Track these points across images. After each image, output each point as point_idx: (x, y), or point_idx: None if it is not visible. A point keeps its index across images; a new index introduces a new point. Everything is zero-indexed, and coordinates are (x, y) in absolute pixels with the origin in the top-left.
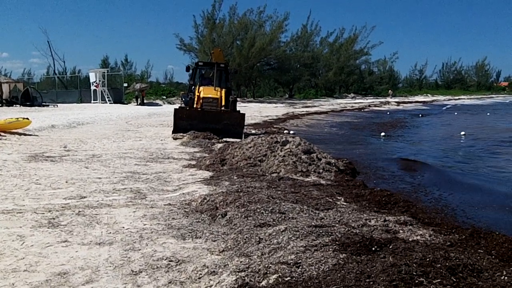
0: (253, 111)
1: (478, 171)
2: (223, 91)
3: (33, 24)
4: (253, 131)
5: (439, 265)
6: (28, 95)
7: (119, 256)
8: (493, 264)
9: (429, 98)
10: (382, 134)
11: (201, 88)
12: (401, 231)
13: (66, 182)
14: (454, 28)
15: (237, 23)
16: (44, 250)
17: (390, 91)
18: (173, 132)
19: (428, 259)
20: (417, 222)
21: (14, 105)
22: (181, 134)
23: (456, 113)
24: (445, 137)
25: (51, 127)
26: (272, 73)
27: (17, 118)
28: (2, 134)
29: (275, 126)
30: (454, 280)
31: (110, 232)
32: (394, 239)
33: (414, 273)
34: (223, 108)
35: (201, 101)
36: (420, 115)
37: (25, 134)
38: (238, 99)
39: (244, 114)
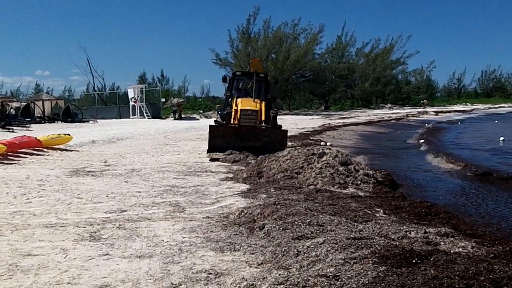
0: (289, 124)
1: None
2: (262, 104)
3: (73, 42)
4: (289, 144)
5: (482, 277)
6: (69, 111)
7: (159, 269)
8: None
9: (468, 107)
10: (421, 141)
11: (238, 100)
12: (442, 243)
13: (107, 196)
14: (493, 35)
15: (271, 36)
16: (86, 263)
17: (425, 100)
18: (208, 151)
19: (470, 272)
20: (459, 234)
21: (56, 122)
22: (217, 153)
23: (496, 121)
24: (484, 143)
25: (92, 142)
26: (308, 85)
27: (59, 134)
28: (45, 150)
29: (311, 138)
30: None
31: (150, 245)
32: (435, 251)
33: (456, 286)
34: (263, 124)
35: (238, 114)
36: (459, 123)
37: (66, 150)
38: None
39: (286, 131)
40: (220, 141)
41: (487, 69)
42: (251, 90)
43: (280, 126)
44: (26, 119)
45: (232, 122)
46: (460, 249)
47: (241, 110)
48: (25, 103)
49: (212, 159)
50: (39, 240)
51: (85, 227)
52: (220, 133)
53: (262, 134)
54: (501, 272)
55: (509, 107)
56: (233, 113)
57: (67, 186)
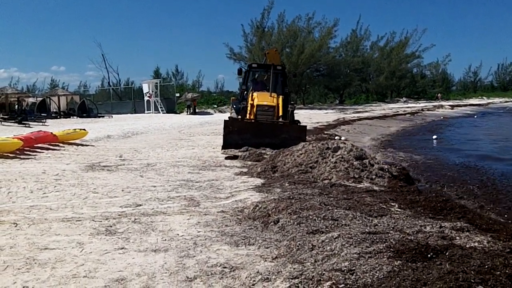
0: (303, 118)
1: None
2: (280, 98)
3: (88, 38)
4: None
5: (498, 272)
6: (84, 106)
7: (174, 263)
8: None
9: (484, 100)
10: (434, 137)
11: (254, 94)
12: (457, 238)
13: (122, 190)
14: (510, 28)
15: (286, 30)
16: (102, 257)
17: (439, 94)
18: (223, 148)
19: (486, 266)
20: (474, 228)
21: (71, 117)
22: (232, 149)
23: None
24: (500, 139)
25: (107, 137)
26: (322, 79)
27: (75, 129)
28: (61, 145)
29: (325, 132)
30: None
31: (165, 239)
32: (451, 246)
33: (472, 280)
34: (280, 119)
35: (254, 109)
36: (475, 116)
37: (82, 145)
38: None
39: (305, 127)
40: (235, 137)
41: (504, 62)
42: (268, 83)
43: (298, 121)
44: (42, 114)
45: (248, 117)
46: (476, 244)
47: (257, 105)
48: (41, 99)
49: (228, 157)
50: (56, 234)
51: (101, 221)
52: (235, 128)
53: (280, 130)
54: None
55: None
56: (249, 108)
57: (83, 180)
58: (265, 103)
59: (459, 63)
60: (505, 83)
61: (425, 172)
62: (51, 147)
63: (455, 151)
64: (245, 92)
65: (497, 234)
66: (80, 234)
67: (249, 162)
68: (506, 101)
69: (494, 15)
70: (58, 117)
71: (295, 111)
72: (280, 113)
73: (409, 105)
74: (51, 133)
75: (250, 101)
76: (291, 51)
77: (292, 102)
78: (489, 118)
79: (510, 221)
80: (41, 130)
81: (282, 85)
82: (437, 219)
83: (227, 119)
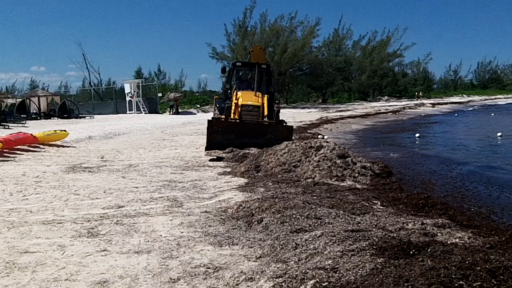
0: (287, 117)
1: None
2: (265, 98)
3: (69, 38)
4: None
5: (478, 268)
6: (65, 107)
7: (158, 264)
8: None
9: (464, 98)
10: (417, 135)
11: (239, 93)
12: (439, 234)
13: (104, 192)
14: (489, 27)
15: (268, 29)
16: (84, 259)
17: (420, 93)
18: (206, 149)
19: (467, 262)
20: (456, 225)
21: (52, 118)
22: (216, 151)
23: (493, 114)
24: (481, 138)
25: (88, 138)
26: (305, 79)
27: (55, 131)
28: (41, 146)
29: (308, 131)
30: (495, 283)
31: (148, 241)
32: (432, 242)
33: (453, 276)
34: (265, 119)
35: (239, 109)
36: (456, 115)
37: (63, 146)
38: None
39: (291, 127)
40: (219, 138)
41: (483, 61)
42: (253, 81)
43: (284, 121)
44: (22, 116)
45: (232, 117)
46: (457, 240)
47: (242, 105)
48: (20, 100)
49: (213, 160)
50: (36, 237)
51: (82, 223)
52: (219, 128)
53: (265, 130)
54: (497, 262)
55: (505, 98)
56: (233, 107)
57: (64, 182)
58: (249, 102)
59: (440, 62)
60: (484, 81)
61: (408, 169)
62: (31, 148)
63: (437, 149)
64: (229, 91)
65: (478, 230)
66: (61, 237)
67: (233, 163)
68: (486, 99)
69: (473, 15)
70: (38, 118)
71: None
72: (266, 113)
73: (391, 103)
74: (31, 134)
75: (234, 101)
76: (274, 50)
77: (277, 102)
78: (467, 116)
79: (491, 217)
80: (20, 132)
81: (267, 84)
82: (419, 216)
83: (211, 118)
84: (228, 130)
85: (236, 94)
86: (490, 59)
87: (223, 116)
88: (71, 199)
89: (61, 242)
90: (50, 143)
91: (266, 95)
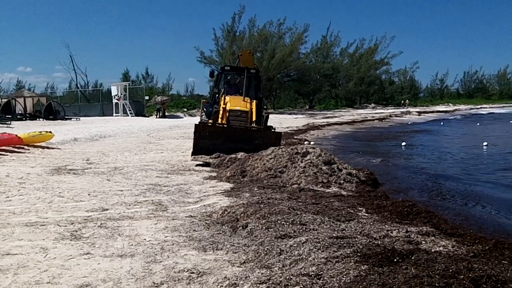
0: (274, 123)
1: (501, 181)
2: (253, 103)
3: (57, 39)
4: None
5: (462, 276)
6: (51, 109)
7: (141, 268)
8: None
9: (450, 107)
10: (403, 144)
11: (227, 98)
12: (423, 242)
13: (89, 194)
14: (475, 36)
15: (257, 35)
16: (67, 263)
17: (406, 101)
18: (193, 154)
19: (451, 270)
20: (440, 233)
21: (38, 119)
22: (203, 156)
23: (478, 124)
24: (467, 147)
25: (74, 140)
26: (292, 85)
27: (40, 132)
28: (26, 147)
29: (295, 137)
30: None
31: (132, 244)
32: (416, 250)
33: (436, 284)
34: (254, 125)
35: (227, 114)
36: (442, 123)
37: (48, 148)
38: None
39: (280, 134)
40: (206, 143)
41: (469, 70)
42: (241, 86)
43: (272, 127)
44: (7, 116)
45: (220, 121)
46: (441, 248)
47: (229, 110)
48: (6, 100)
49: (200, 165)
50: (19, 239)
51: (66, 226)
52: (207, 133)
53: (254, 136)
54: (480, 271)
55: (490, 108)
56: (221, 112)
57: (48, 184)
58: (238, 108)
59: (426, 70)
60: (470, 90)
61: (393, 177)
62: (16, 149)
63: (423, 158)
64: (217, 95)
65: (462, 239)
66: (44, 239)
67: (219, 168)
68: (471, 108)
69: (461, 24)
70: (24, 119)
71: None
72: (254, 119)
73: (378, 111)
74: (16, 135)
75: (222, 105)
76: (262, 56)
77: (265, 107)
78: (454, 125)
79: (475, 226)
80: (5, 132)
81: (255, 89)
82: (404, 223)
83: (198, 123)
84: (216, 135)
85: (224, 99)
86: (476, 69)
87: (210, 121)
88: (55, 201)
89: (44, 244)
90: (35, 144)
91: (254, 101)
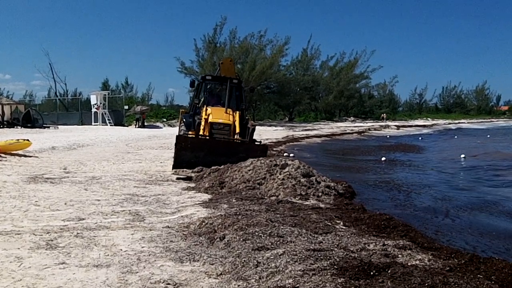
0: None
1: (480, 196)
2: (236, 114)
3: (36, 46)
4: None
5: None
6: (29, 116)
7: (117, 279)
8: None
9: (429, 122)
10: (383, 158)
11: (209, 109)
12: (400, 256)
13: (65, 203)
14: (454, 52)
15: (238, 46)
16: (42, 272)
17: (384, 115)
18: (173, 167)
19: (427, 284)
20: (416, 247)
21: (15, 127)
22: (185, 169)
23: (456, 137)
24: (445, 160)
25: (52, 148)
26: (272, 97)
27: (18, 140)
28: (3, 155)
29: (274, 149)
30: None
31: (108, 255)
32: (393, 264)
33: None
34: (237, 137)
35: (209, 127)
36: (420, 138)
37: (25, 156)
38: None
39: (266, 146)
40: (188, 155)
41: (448, 85)
42: (223, 96)
43: (258, 141)
44: None
45: (202, 133)
46: (417, 262)
47: (212, 123)
48: None
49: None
50: None
51: (41, 235)
52: (188, 145)
53: (238, 149)
54: (456, 285)
55: (468, 123)
56: (203, 123)
57: (25, 192)
58: (220, 120)
59: (405, 85)
60: (448, 105)
61: (371, 190)
62: None
63: (401, 171)
64: (197, 106)
65: (438, 253)
66: (19, 248)
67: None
68: (450, 123)
69: (439, 40)
70: (1, 126)
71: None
72: (238, 130)
73: (357, 124)
74: None
75: (204, 116)
76: (242, 67)
77: (247, 118)
78: (432, 138)
79: (451, 240)
80: None
81: (237, 100)
82: (381, 237)
83: (179, 134)
84: (198, 147)
85: (206, 110)
86: (454, 84)
87: (191, 132)
88: (31, 210)
89: (19, 253)
90: (12, 152)
91: (237, 112)
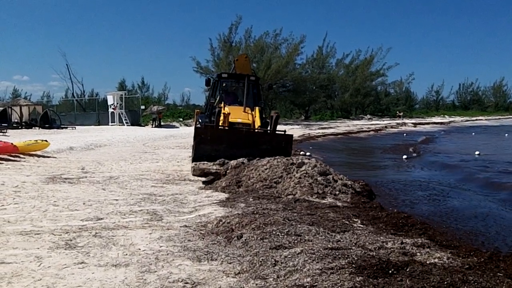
0: None
1: (499, 193)
2: (256, 111)
3: (53, 48)
4: None
5: None
6: (47, 117)
7: (135, 278)
8: None
9: (446, 119)
10: (404, 157)
11: (226, 108)
12: (418, 254)
13: (83, 203)
14: (471, 48)
15: (253, 45)
16: (61, 272)
17: (400, 112)
18: (193, 160)
19: (445, 283)
20: (435, 245)
21: (33, 128)
22: (205, 163)
23: (473, 133)
24: (462, 157)
25: (69, 149)
26: (288, 95)
27: (36, 140)
28: (21, 156)
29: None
30: None
31: (126, 254)
32: (411, 262)
33: None
34: (259, 127)
35: (227, 124)
36: (436, 135)
37: (43, 156)
38: None
39: (291, 136)
40: (208, 148)
41: (465, 82)
42: (239, 94)
43: (284, 131)
44: (3, 124)
45: (221, 124)
46: (436, 260)
47: (230, 123)
48: (2, 108)
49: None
50: (13, 248)
51: (60, 234)
52: (208, 137)
53: (261, 140)
54: (475, 283)
55: (486, 120)
56: (221, 117)
57: (43, 193)
58: (239, 120)
59: (422, 82)
60: (466, 102)
61: (389, 188)
62: (11, 158)
63: (419, 168)
64: (213, 105)
65: (457, 251)
66: (38, 248)
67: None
68: (467, 120)
69: (456, 36)
70: (20, 127)
71: None
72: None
73: (373, 122)
74: (12, 143)
75: (223, 111)
76: (258, 66)
77: (264, 117)
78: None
79: (470, 237)
80: (1, 141)
81: (254, 98)
82: (399, 235)
83: (199, 126)
84: (218, 139)
85: (224, 108)
86: (472, 81)
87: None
88: (50, 210)
89: (38, 253)
90: (31, 152)
91: (256, 108)
